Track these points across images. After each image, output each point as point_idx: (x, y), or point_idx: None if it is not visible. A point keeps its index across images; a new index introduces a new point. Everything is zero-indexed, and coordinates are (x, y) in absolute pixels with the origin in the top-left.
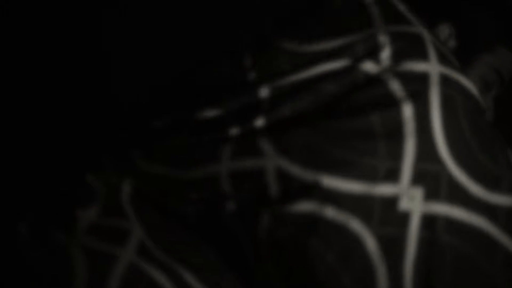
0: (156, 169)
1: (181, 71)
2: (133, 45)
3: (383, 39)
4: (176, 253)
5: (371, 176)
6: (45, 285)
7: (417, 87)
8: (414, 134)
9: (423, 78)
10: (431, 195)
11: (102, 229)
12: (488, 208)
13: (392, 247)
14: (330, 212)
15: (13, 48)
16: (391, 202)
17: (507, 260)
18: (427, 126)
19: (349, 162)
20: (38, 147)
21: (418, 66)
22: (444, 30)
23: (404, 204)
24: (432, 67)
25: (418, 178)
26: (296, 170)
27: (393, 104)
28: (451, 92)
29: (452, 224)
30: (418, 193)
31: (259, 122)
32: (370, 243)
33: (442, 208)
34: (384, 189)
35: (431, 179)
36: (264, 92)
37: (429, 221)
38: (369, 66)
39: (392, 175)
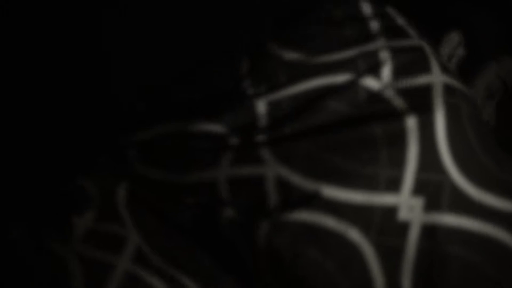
0: (153, 172)
1: (181, 71)
2: (132, 45)
3: (384, 55)
4: (173, 258)
5: (372, 186)
6: None
7: (420, 99)
8: (417, 143)
9: (427, 90)
10: (433, 205)
11: (99, 236)
12: (497, 215)
13: (391, 257)
14: (330, 222)
15: (13, 48)
16: (391, 212)
17: None
18: (430, 135)
19: (350, 171)
20: (34, 148)
21: (420, 80)
22: (454, 38)
23: (403, 214)
24: (435, 78)
25: (420, 188)
26: (296, 179)
27: (396, 115)
28: (456, 101)
29: (457, 233)
30: (418, 203)
31: (259, 138)
32: (369, 252)
33: (445, 218)
34: (384, 199)
35: (433, 189)
36: (261, 107)
37: (429, 231)
38: (370, 82)
39: (393, 185)
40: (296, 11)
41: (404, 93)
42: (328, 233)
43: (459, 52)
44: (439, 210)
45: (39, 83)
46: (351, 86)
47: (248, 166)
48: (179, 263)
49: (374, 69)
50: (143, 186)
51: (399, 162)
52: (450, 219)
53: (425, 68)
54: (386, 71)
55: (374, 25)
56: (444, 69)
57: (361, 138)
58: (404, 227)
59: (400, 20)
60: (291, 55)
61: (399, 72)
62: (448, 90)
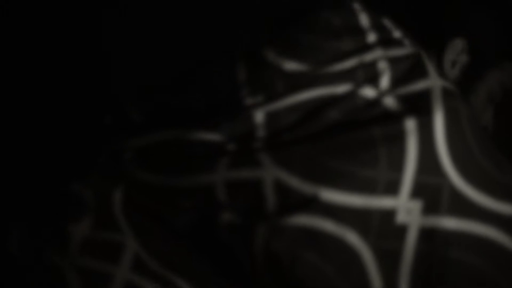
0: (149, 177)
1: (180, 71)
2: (132, 45)
3: (382, 65)
4: (171, 263)
5: (371, 189)
6: None
7: (419, 103)
8: (416, 144)
9: (426, 94)
10: (431, 208)
11: (96, 245)
12: (496, 218)
13: (389, 260)
14: (329, 226)
15: (12, 48)
16: (389, 215)
17: None
18: (429, 136)
19: (349, 173)
20: (31, 150)
21: (419, 85)
22: (457, 45)
23: (401, 217)
24: (433, 82)
25: (418, 191)
26: (295, 182)
27: (395, 117)
28: (455, 104)
29: (456, 236)
30: (416, 206)
31: (257, 144)
32: (367, 255)
33: (444, 221)
34: (382, 202)
35: (432, 191)
36: (259, 117)
37: (427, 234)
38: (369, 92)
39: (392, 188)
40: (293, 14)
41: (403, 99)
42: (326, 237)
43: (463, 58)
44: (438, 213)
45: (38, 85)
46: (351, 96)
47: (246, 169)
48: (176, 268)
49: (373, 79)
50: (140, 190)
51: (398, 164)
52: (449, 222)
53: (422, 74)
54: (385, 81)
55: (372, 37)
56: (441, 73)
57: (360, 139)
58: (402, 230)
59: (396, 33)
60: (291, 65)
61: (398, 80)
62: (447, 94)
